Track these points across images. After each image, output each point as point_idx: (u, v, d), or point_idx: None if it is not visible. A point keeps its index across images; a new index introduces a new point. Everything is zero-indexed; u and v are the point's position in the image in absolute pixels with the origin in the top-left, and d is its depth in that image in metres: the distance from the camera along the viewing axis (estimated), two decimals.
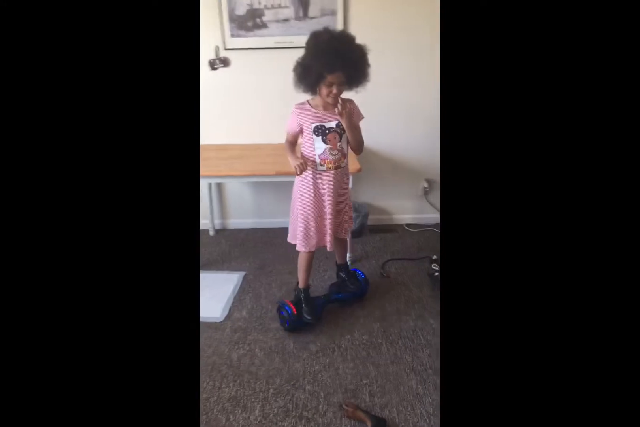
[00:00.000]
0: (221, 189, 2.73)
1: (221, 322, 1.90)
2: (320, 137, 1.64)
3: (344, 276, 2.01)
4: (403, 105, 2.49)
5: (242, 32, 2.32)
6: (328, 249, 1.80)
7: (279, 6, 2.27)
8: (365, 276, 2.05)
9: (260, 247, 2.54)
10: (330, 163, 1.68)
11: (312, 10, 2.27)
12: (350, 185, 2.19)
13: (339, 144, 1.66)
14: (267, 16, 2.28)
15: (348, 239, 2.10)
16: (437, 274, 2.11)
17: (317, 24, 2.27)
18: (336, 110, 1.56)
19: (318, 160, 1.67)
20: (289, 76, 2.38)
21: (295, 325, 1.80)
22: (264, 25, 2.30)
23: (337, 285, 2.05)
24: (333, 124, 1.64)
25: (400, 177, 2.68)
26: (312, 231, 1.76)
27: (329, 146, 1.65)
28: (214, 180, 2.50)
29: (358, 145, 1.71)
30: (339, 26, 2.28)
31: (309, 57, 1.51)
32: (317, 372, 1.61)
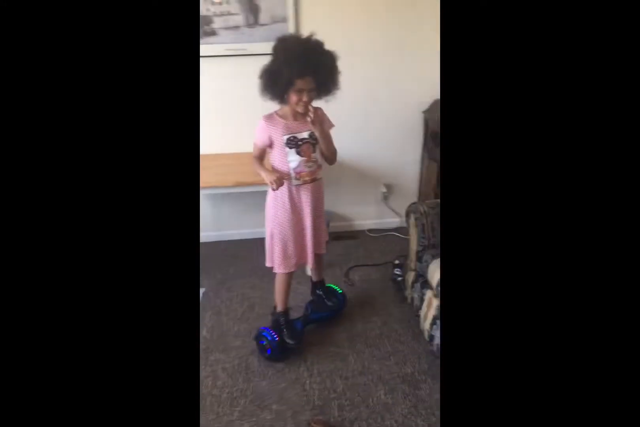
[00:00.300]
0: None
1: None
2: (294, 150, 1.55)
3: (321, 293, 1.92)
4: (357, 110, 2.49)
5: None
6: (309, 267, 1.71)
7: (229, 13, 2.21)
8: (343, 291, 1.98)
9: (220, 262, 2.46)
10: (307, 176, 1.59)
11: (263, 17, 2.23)
12: None
13: (313, 155, 1.58)
14: (217, 23, 2.22)
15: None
16: (399, 278, 2.12)
17: (268, 31, 2.24)
18: (308, 118, 1.48)
19: (293, 174, 1.57)
20: (241, 84, 2.35)
21: (278, 353, 1.67)
22: (213, 33, 2.24)
23: (315, 303, 1.93)
24: (305, 135, 1.56)
25: (359, 183, 2.68)
26: (291, 250, 1.66)
27: (303, 158, 1.56)
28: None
29: (332, 155, 1.64)
30: (291, 33, 2.26)
31: (277, 63, 1.43)
32: (284, 390, 1.56)
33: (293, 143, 1.55)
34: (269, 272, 2.31)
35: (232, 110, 2.36)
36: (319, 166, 1.63)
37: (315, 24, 2.27)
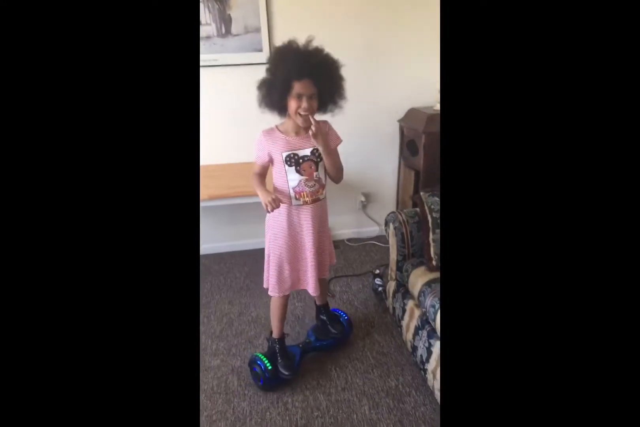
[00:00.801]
0: None
1: None
2: (293, 168, 1.42)
3: (324, 318, 1.78)
4: (338, 120, 2.48)
5: None
6: (312, 293, 1.58)
7: (200, 23, 2.18)
8: (348, 317, 1.85)
9: None
10: (307, 196, 1.45)
11: (235, 27, 2.21)
12: None
13: (315, 173, 1.44)
14: None
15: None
16: (380, 288, 2.10)
17: (240, 41, 2.22)
18: (310, 131, 1.33)
19: (292, 194, 1.45)
20: (214, 95, 2.31)
21: (270, 383, 1.56)
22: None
23: (318, 329, 1.81)
24: (307, 152, 1.42)
25: (338, 193, 2.66)
26: (287, 273, 1.54)
27: (304, 177, 1.43)
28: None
29: (337, 173, 1.48)
30: (265, 43, 2.24)
31: (274, 70, 1.33)
32: (265, 410, 1.51)
33: (292, 161, 1.42)
34: (246, 287, 2.28)
35: (203, 121, 2.31)
36: (322, 186, 1.49)
37: (288, 34, 2.26)
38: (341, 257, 2.55)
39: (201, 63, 2.21)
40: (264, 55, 2.24)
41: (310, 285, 1.55)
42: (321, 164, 1.45)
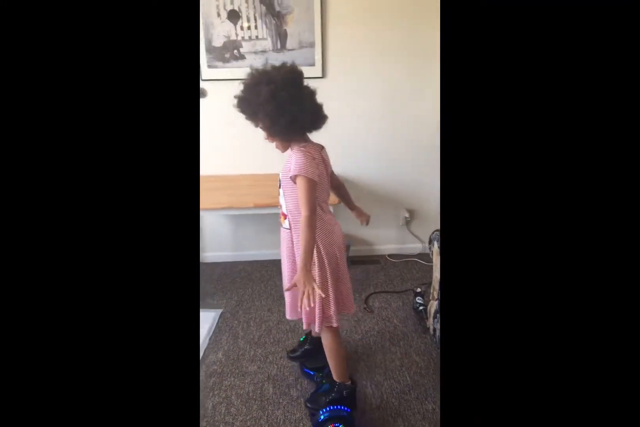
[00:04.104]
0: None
1: None
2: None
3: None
4: (382, 135, 2.48)
5: (219, 63, 2.30)
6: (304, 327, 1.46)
7: (257, 38, 2.27)
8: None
9: (239, 282, 2.44)
10: (280, 217, 1.41)
11: (290, 42, 2.27)
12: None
13: (279, 197, 1.39)
14: (245, 48, 2.28)
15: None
16: (421, 308, 2.05)
17: (294, 56, 2.28)
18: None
19: None
20: None
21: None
22: (241, 57, 2.29)
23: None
24: (281, 174, 1.36)
25: (381, 207, 2.65)
26: (287, 300, 1.47)
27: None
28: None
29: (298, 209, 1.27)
30: (318, 58, 2.29)
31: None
32: (299, 421, 1.49)
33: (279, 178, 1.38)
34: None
35: (251, 133, 2.38)
36: (283, 215, 1.39)
37: (342, 49, 2.30)
38: (382, 272, 2.52)
39: None
40: (316, 70, 2.30)
41: (304, 320, 1.42)
42: (281, 192, 1.36)
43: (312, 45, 2.28)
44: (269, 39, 2.27)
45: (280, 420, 1.49)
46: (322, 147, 1.39)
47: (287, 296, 1.46)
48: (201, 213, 2.42)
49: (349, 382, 1.49)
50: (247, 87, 1.23)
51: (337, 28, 2.27)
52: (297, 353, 1.73)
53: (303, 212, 1.22)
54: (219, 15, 2.21)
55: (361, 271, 2.53)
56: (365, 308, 2.17)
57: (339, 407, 1.40)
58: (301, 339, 1.79)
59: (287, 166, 1.30)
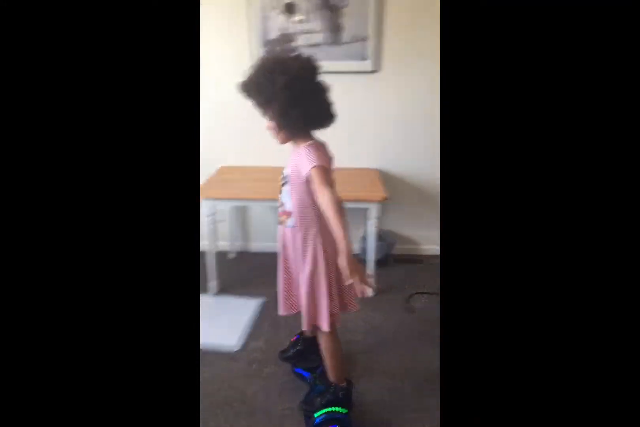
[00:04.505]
0: (244, 212, 2.69)
1: (236, 352, 1.82)
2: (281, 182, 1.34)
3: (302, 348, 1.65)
4: (430, 132, 2.42)
5: None
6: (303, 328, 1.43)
7: (311, 31, 2.27)
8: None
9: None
10: (280, 215, 1.36)
11: (344, 35, 2.26)
12: (375, 216, 2.14)
13: (280, 195, 1.34)
14: (299, 41, 2.28)
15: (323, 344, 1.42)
16: None
17: (347, 49, 2.26)
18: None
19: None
20: None
21: None
22: (295, 50, 2.30)
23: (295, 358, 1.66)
24: (286, 171, 1.31)
25: (427, 206, 2.59)
26: (280, 297, 1.45)
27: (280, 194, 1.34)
28: (237, 204, 2.47)
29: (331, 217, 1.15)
30: (370, 52, 2.26)
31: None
32: None
33: (281, 175, 1.34)
34: None
35: None
36: (286, 213, 1.32)
37: (396, 44, 2.26)
38: (425, 272, 2.47)
39: None
40: (368, 64, 2.27)
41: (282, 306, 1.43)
42: (285, 189, 1.30)
43: (365, 39, 2.25)
44: (323, 32, 2.26)
45: None
46: (325, 145, 1.33)
47: (281, 291, 1.43)
48: (247, 203, 2.47)
49: (344, 384, 1.44)
50: (261, 73, 1.16)
51: (393, 22, 2.22)
52: (289, 353, 1.68)
53: (327, 195, 1.12)
54: (274, 8, 2.23)
55: (404, 270, 2.49)
56: (406, 307, 2.13)
57: (334, 409, 1.37)
58: (294, 339, 1.73)
59: (294, 163, 1.26)
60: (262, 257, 2.67)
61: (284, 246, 1.39)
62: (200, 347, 1.82)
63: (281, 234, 1.39)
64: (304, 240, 1.31)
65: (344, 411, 1.38)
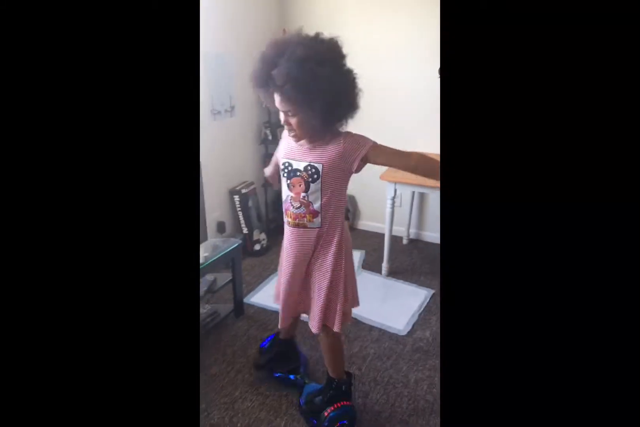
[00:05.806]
0: (424, 199, 2.68)
1: (403, 336, 1.86)
2: (286, 180, 1.20)
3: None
4: None
5: None
6: (279, 326, 1.40)
7: None
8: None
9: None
10: (291, 217, 1.22)
11: None
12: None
13: (303, 194, 1.17)
14: None
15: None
16: None
17: None
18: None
19: (284, 208, 1.25)
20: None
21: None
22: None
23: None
24: (301, 166, 1.14)
25: None
26: (282, 303, 1.36)
27: (292, 194, 1.19)
28: (418, 190, 2.46)
29: (424, 173, 1.14)
30: None
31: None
32: None
33: (287, 171, 1.18)
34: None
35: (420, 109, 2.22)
36: (312, 212, 1.18)
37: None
38: None
39: None
40: None
41: (314, 325, 1.31)
42: (316, 186, 1.14)
43: None
44: None
45: None
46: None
47: (283, 298, 1.34)
48: (428, 191, 2.43)
49: (345, 377, 1.42)
50: (293, 65, 0.98)
51: None
52: (271, 355, 1.57)
53: (413, 156, 1.14)
54: None
55: None
56: None
57: (340, 404, 1.36)
58: (263, 345, 1.62)
59: (327, 156, 1.11)
60: (433, 247, 2.64)
61: (299, 246, 1.25)
62: (369, 323, 1.92)
63: (294, 234, 1.25)
64: (328, 240, 1.22)
65: (348, 403, 1.38)
